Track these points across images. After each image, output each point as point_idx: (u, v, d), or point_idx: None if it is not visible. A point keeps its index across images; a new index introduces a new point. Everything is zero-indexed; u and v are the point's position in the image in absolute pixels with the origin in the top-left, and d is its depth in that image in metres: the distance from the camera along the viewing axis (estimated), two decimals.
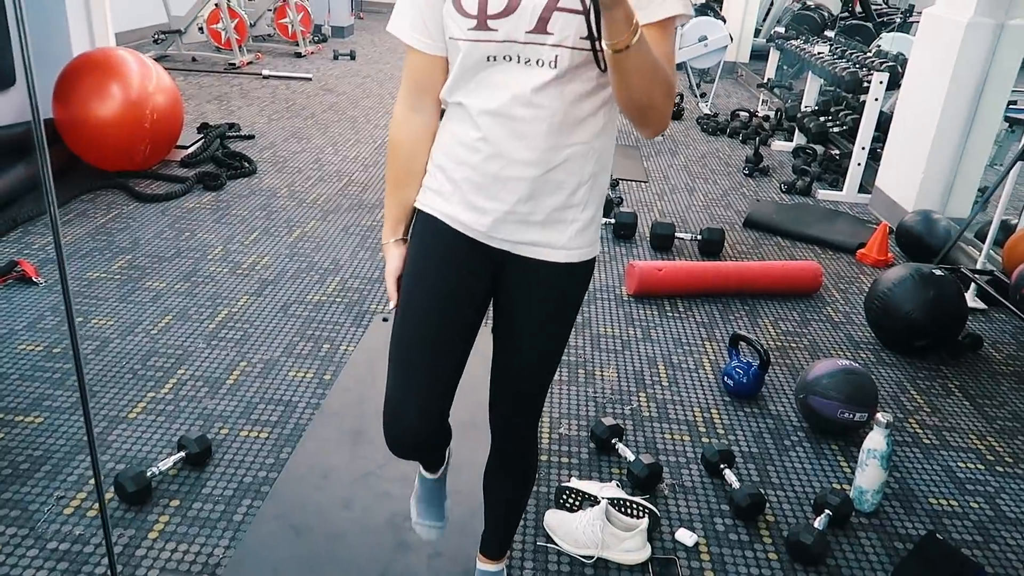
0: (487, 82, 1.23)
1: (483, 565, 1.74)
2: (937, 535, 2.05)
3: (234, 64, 7.30)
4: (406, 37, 1.29)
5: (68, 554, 1.82)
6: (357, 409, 2.46)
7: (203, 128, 5.10)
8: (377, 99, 6.68)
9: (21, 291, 3.00)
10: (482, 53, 1.20)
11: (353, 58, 8.35)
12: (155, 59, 6.96)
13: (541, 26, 1.16)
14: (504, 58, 1.20)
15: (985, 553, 2.05)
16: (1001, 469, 2.41)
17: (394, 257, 1.42)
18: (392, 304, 1.41)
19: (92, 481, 2.05)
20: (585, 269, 1.37)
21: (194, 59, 7.40)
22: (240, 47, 7.48)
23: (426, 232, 1.37)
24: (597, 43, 1.12)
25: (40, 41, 4.12)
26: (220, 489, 2.07)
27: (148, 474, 2.01)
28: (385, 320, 3.02)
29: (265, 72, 7.17)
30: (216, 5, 7.31)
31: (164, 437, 2.25)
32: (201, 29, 7.45)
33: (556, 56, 1.17)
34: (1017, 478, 2.37)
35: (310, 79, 7.19)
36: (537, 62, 1.18)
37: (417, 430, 1.40)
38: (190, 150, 4.63)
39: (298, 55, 8.20)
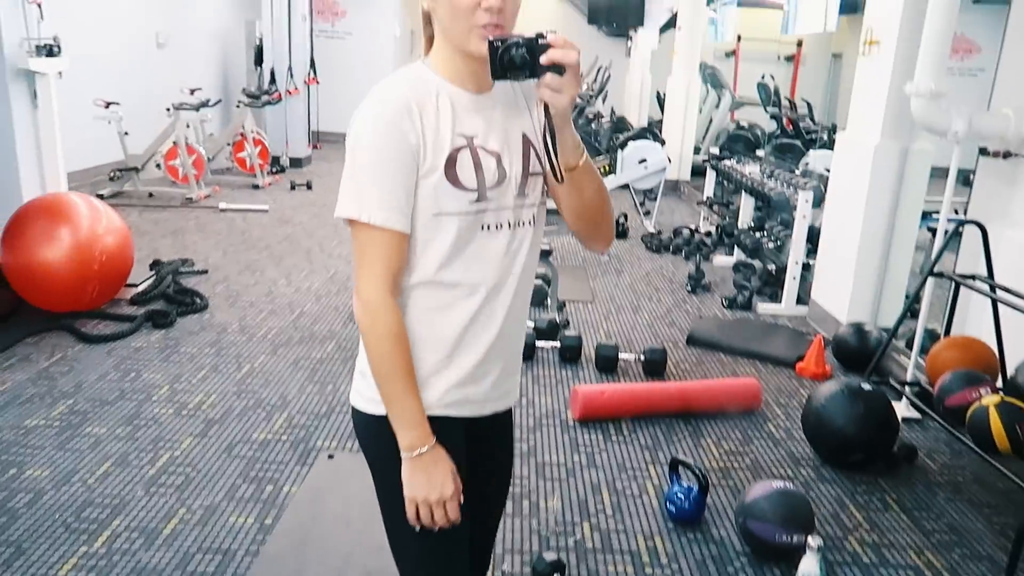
0: (481, 253, 1.27)
1: None
2: None
3: (191, 198, 7.45)
4: (380, 219, 1.20)
5: None
6: (298, 552, 2.42)
7: (155, 265, 5.16)
8: (332, 229, 6.84)
9: None
10: (478, 224, 1.26)
11: (310, 188, 8.58)
12: (110, 196, 7.15)
13: (522, 190, 1.30)
14: (496, 226, 1.28)
15: None
16: None
17: (447, 459, 1.28)
18: (456, 517, 1.29)
19: None
20: None
21: (151, 195, 7.56)
22: (198, 181, 7.66)
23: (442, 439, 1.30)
24: (555, 165, 1.24)
25: None
26: None
27: None
28: (331, 458, 3.01)
29: (222, 205, 7.33)
30: (174, 143, 7.54)
31: None
32: (158, 165, 7.62)
33: (533, 215, 1.33)
34: None
35: (267, 211, 7.36)
36: (520, 223, 1.31)
37: None
38: (140, 288, 4.67)
39: (255, 187, 8.41)
